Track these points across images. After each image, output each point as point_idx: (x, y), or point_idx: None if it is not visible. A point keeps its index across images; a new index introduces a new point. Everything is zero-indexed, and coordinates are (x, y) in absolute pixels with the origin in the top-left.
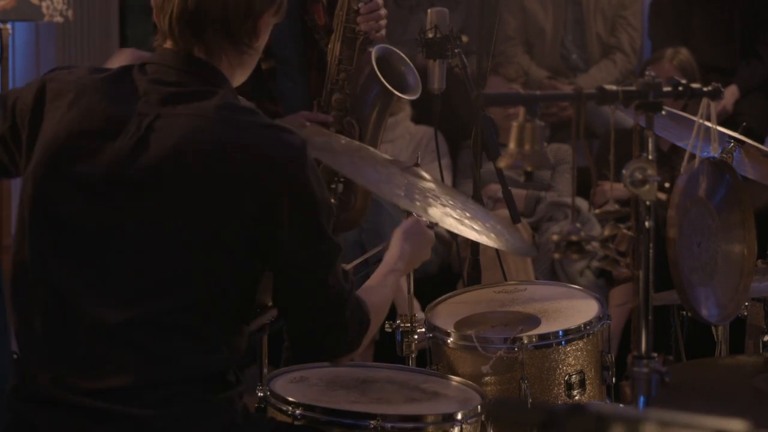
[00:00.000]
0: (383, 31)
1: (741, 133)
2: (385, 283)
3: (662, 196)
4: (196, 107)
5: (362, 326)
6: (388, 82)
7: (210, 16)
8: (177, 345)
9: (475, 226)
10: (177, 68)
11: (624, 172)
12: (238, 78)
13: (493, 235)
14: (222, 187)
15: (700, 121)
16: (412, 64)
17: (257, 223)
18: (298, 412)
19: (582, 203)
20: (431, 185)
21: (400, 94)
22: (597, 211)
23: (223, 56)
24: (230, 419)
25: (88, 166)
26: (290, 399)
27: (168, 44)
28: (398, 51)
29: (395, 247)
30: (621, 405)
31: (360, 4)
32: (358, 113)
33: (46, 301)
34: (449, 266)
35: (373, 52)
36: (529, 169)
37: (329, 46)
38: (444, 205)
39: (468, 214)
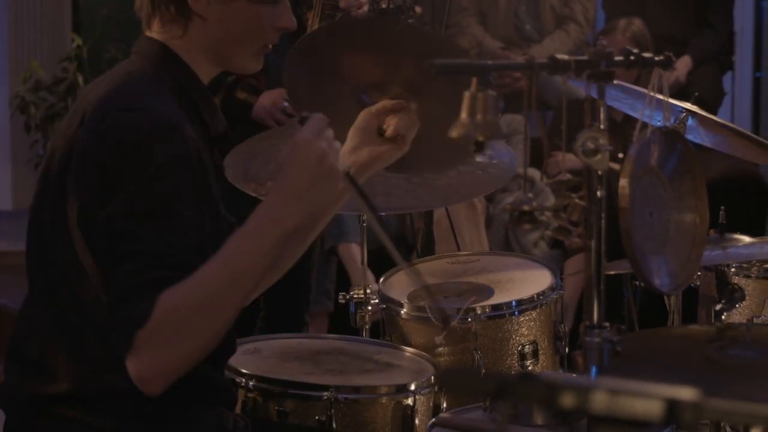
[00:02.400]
0: (365, 8)
1: (693, 104)
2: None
3: (615, 165)
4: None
5: (128, 325)
6: None
7: None
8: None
9: None
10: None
11: (576, 142)
12: (195, 49)
13: None
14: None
15: (651, 93)
16: None
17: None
18: (251, 383)
19: (535, 174)
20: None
21: None
22: (549, 181)
23: (155, 26)
24: None
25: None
26: (243, 371)
27: None
28: None
29: (281, 180)
30: (573, 374)
31: None
32: None
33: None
34: (403, 238)
35: None
36: (481, 138)
37: (308, 22)
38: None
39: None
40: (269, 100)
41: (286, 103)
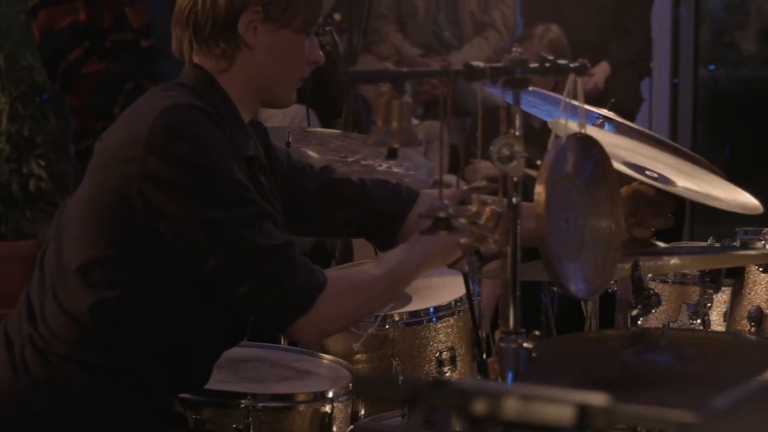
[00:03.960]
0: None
1: (610, 110)
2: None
3: (532, 172)
4: None
5: (305, 289)
6: None
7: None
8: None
9: None
10: None
11: (491, 148)
12: (240, 80)
13: None
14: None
15: (567, 100)
16: None
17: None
18: None
19: (452, 180)
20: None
21: None
22: (465, 187)
23: (197, 60)
24: None
25: None
26: None
27: None
28: None
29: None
30: (488, 380)
31: None
32: None
33: None
34: (322, 244)
35: None
36: (396, 145)
37: None
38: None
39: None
40: None
41: None
